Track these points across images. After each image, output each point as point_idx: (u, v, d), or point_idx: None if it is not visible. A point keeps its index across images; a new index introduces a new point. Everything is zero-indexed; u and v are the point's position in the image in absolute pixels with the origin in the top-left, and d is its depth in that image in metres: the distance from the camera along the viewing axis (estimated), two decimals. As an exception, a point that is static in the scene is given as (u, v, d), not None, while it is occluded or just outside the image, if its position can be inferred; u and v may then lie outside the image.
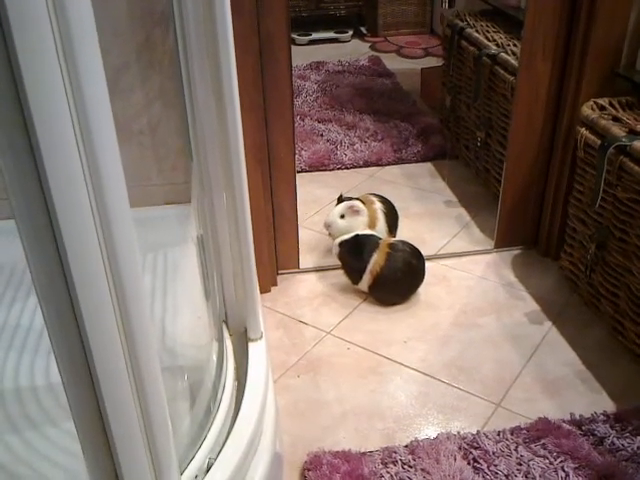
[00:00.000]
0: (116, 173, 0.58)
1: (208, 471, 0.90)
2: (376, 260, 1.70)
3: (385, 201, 1.93)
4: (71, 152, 0.54)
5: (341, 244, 1.75)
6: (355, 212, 1.83)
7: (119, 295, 0.62)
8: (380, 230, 1.86)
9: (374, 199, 1.91)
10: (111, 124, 0.56)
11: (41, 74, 0.50)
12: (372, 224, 1.86)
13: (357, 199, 1.88)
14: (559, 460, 1.27)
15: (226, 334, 1.17)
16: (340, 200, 1.89)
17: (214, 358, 1.08)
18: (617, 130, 1.45)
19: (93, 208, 0.57)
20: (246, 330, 1.17)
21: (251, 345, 1.15)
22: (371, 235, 1.75)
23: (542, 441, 1.32)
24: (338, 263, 1.81)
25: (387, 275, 1.70)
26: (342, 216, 1.84)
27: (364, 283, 1.73)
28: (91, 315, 0.61)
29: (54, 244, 0.57)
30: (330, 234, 1.87)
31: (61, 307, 0.61)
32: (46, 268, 0.58)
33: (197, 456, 0.90)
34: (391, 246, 1.73)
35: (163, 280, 1.36)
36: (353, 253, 1.73)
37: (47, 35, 0.50)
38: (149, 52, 1.30)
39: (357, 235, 1.74)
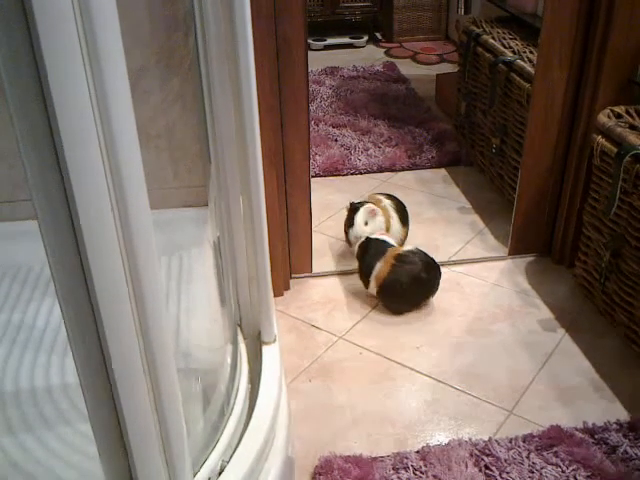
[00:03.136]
0: (137, 175, 0.59)
1: (221, 473, 0.90)
2: (380, 269, 1.70)
3: (392, 197, 1.95)
4: (94, 155, 0.54)
5: (359, 245, 1.77)
6: (374, 213, 1.84)
7: (137, 296, 0.62)
8: (395, 226, 1.89)
9: (381, 197, 1.94)
10: (133, 125, 0.57)
11: (66, 76, 0.51)
12: (387, 222, 1.86)
13: (366, 202, 1.89)
14: (571, 468, 1.27)
15: (240, 337, 1.18)
16: (352, 208, 1.88)
17: (228, 361, 1.08)
18: (634, 138, 1.44)
19: (114, 209, 0.57)
20: (260, 334, 1.17)
21: (265, 348, 1.16)
22: (382, 241, 1.75)
23: (554, 449, 1.31)
24: (350, 268, 1.82)
25: (390, 285, 1.69)
26: (366, 223, 1.85)
27: (372, 289, 1.73)
28: (110, 317, 0.61)
29: (75, 246, 0.58)
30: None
31: (80, 309, 0.61)
32: (67, 270, 0.59)
33: (210, 458, 0.90)
34: (399, 257, 1.70)
35: (179, 282, 1.37)
36: (362, 256, 1.74)
37: (72, 36, 0.50)
38: (168, 55, 1.31)
39: (368, 238, 1.75)
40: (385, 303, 1.75)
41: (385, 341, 1.63)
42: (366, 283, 1.74)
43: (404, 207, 1.96)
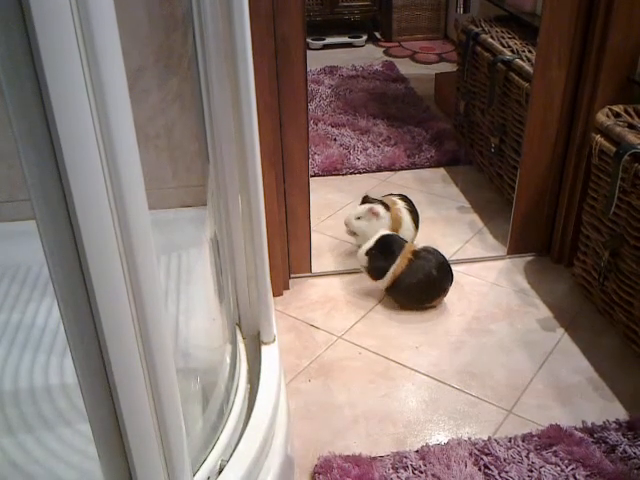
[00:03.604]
0: (135, 175, 0.58)
1: (220, 473, 0.90)
2: (398, 263, 1.69)
3: (406, 199, 1.95)
4: (92, 155, 0.54)
5: (367, 253, 1.74)
6: (374, 214, 1.84)
7: (136, 296, 0.62)
8: (407, 228, 1.89)
9: (396, 199, 1.93)
10: (131, 125, 0.57)
11: (64, 76, 0.51)
12: (397, 224, 1.87)
13: (381, 202, 1.89)
14: (570, 468, 1.27)
15: (239, 337, 1.18)
16: (365, 200, 1.90)
17: (227, 361, 1.08)
18: (632, 137, 1.44)
19: (113, 209, 0.57)
20: (259, 333, 1.17)
21: (264, 348, 1.16)
22: (395, 235, 1.76)
23: (554, 448, 1.31)
24: (350, 268, 1.83)
25: (404, 280, 1.69)
26: (358, 218, 1.85)
27: (385, 281, 1.72)
28: (108, 317, 0.61)
29: (74, 246, 0.58)
30: (350, 231, 1.92)
31: (79, 309, 0.61)
32: (65, 270, 0.59)
33: (209, 458, 0.90)
34: (415, 253, 1.71)
35: (177, 282, 1.37)
36: (382, 253, 1.71)
37: (70, 36, 0.50)
38: (167, 55, 1.31)
39: (382, 236, 1.74)
40: (393, 296, 1.75)
41: (384, 341, 1.63)
42: (380, 275, 1.72)
43: (417, 211, 1.96)
